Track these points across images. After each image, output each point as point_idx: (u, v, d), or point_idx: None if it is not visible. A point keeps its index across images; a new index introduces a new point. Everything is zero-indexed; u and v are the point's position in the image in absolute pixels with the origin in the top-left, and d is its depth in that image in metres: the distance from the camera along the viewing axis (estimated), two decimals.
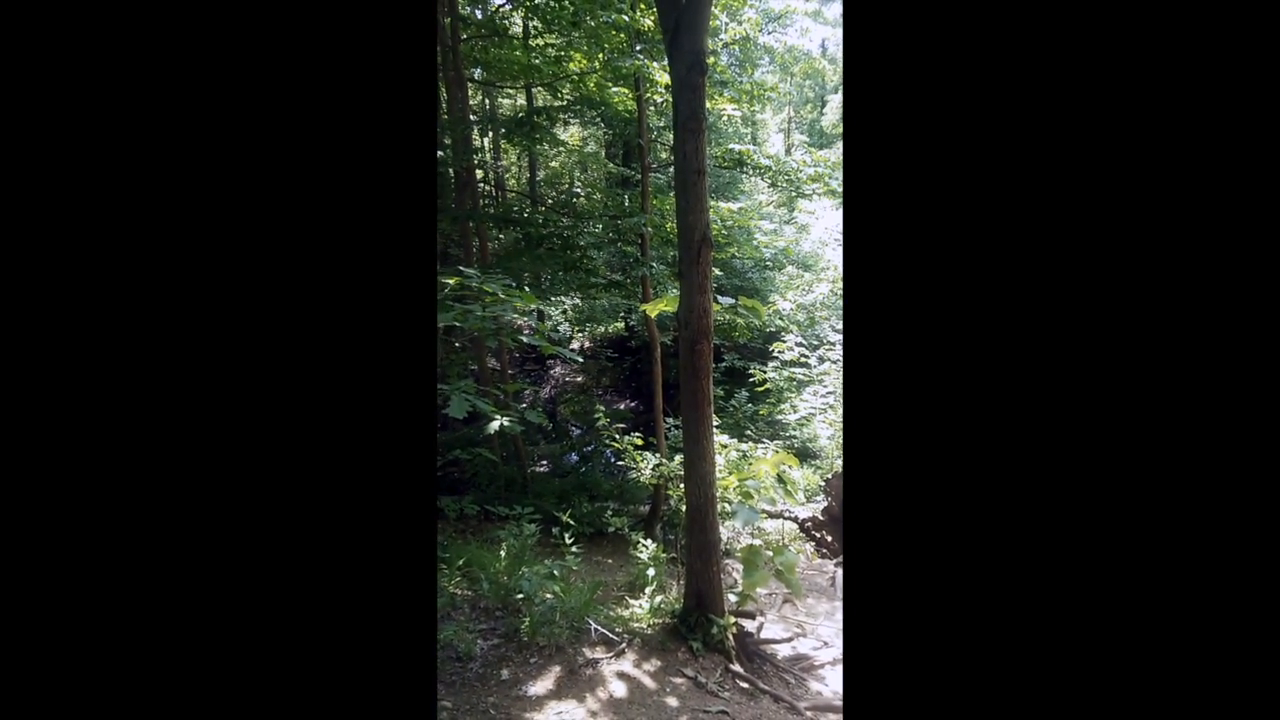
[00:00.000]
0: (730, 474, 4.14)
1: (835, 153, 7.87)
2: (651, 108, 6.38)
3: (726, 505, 4.09)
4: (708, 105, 6.61)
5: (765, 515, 6.14)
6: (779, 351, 8.01)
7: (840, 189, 6.33)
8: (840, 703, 3.27)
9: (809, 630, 4.18)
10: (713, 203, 6.99)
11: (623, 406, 10.86)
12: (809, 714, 3.02)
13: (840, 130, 19.38)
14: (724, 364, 9.46)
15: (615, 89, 5.86)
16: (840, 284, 9.17)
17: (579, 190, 8.16)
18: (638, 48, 5.66)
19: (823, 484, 6.93)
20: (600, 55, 5.71)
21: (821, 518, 6.31)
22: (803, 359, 7.91)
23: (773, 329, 8.83)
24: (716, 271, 7.83)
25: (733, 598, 3.59)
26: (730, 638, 3.34)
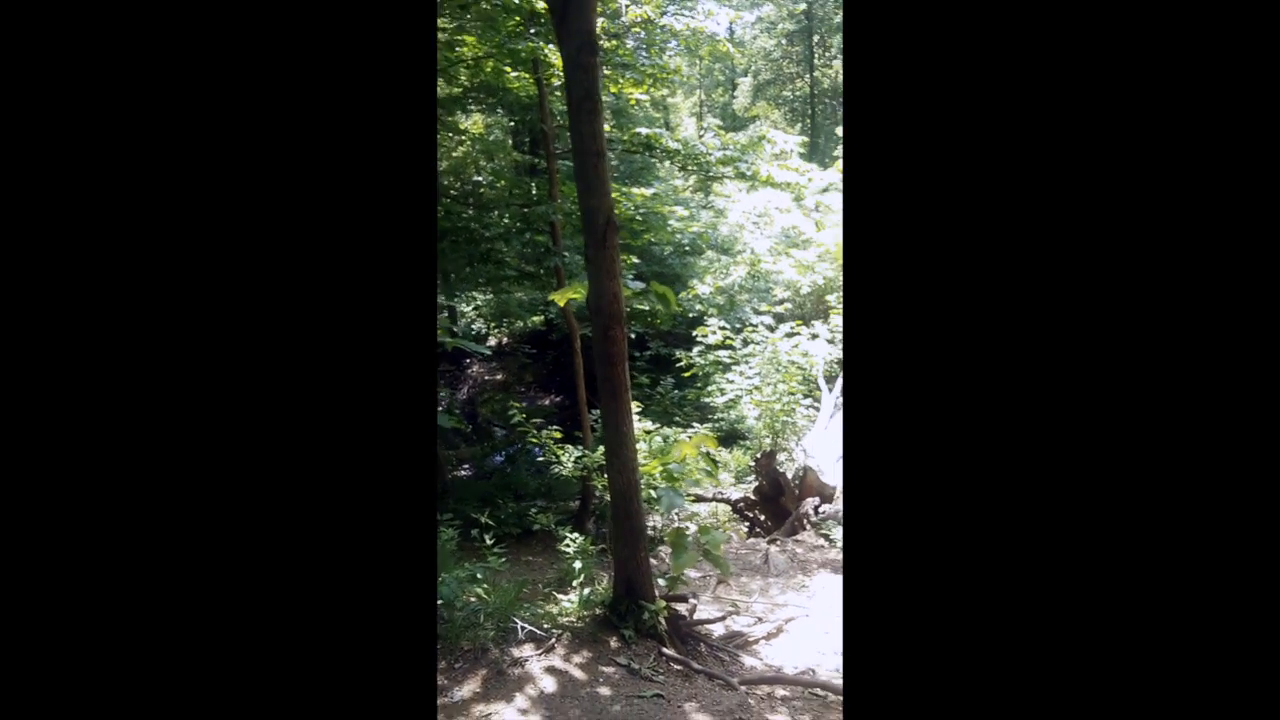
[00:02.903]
0: (653, 459, 4.11)
1: (746, 135, 7.97)
2: (556, 93, 6.24)
3: (652, 491, 4.06)
4: (612, 89, 6.53)
5: (694, 499, 6.17)
6: (703, 336, 8.07)
7: (750, 171, 6.39)
8: (772, 674, 3.30)
9: (743, 608, 4.22)
10: (626, 188, 6.92)
11: (547, 402, 10.71)
12: (742, 688, 3.04)
13: (753, 113, 19.77)
14: (649, 351, 9.46)
15: (515, 74, 5.69)
16: (759, 265, 9.34)
17: (480, 180, 7.91)
18: (532, 30, 5.51)
19: (752, 464, 7.04)
20: (495, 39, 5.52)
21: (754, 497, 6.40)
22: (727, 341, 7.99)
23: (695, 314, 8.88)
24: (634, 259, 7.77)
25: (663, 583, 3.56)
26: (662, 622, 3.32)
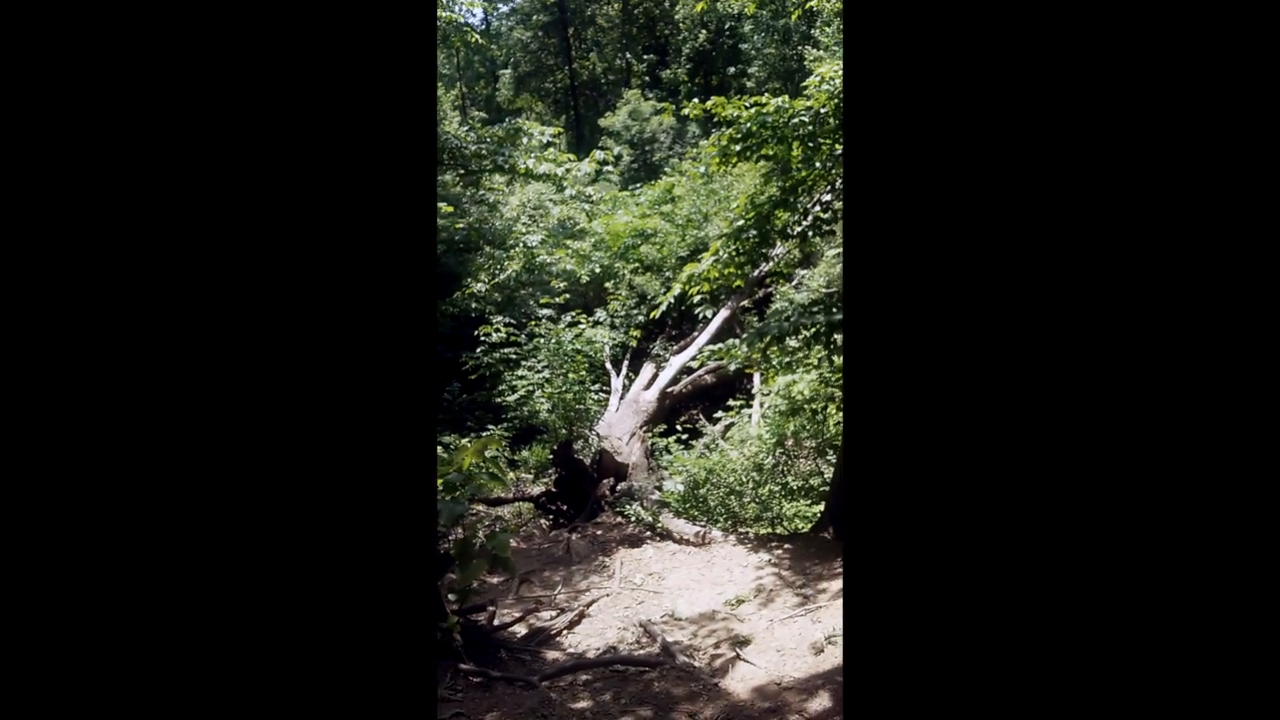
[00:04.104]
0: None
1: (503, 127, 7.86)
2: None
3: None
4: None
5: (482, 504, 6.06)
6: (485, 335, 7.89)
7: (508, 165, 6.34)
8: (571, 663, 3.38)
9: (546, 602, 4.25)
10: None
11: None
12: (544, 685, 3.07)
13: (518, 105, 19.62)
14: (435, 356, 9.03)
15: None
16: (537, 258, 9.35)
17: None
18: None
19: (551, 456, 7.11)
20: None
21: (555, 489, 6.47)
22: (512, 338, 7.91)
23: (475, 313, 8.65)
24: None
25: (454, 597, 3.45)
26: (457, 638, 3.22)
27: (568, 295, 9.14)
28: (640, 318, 9.41)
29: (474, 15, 17.19)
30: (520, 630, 3.78)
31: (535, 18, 18.67)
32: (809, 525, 5.48)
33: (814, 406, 6.16)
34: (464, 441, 5.70)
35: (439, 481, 3.93)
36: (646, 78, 18.01)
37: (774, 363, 5.70)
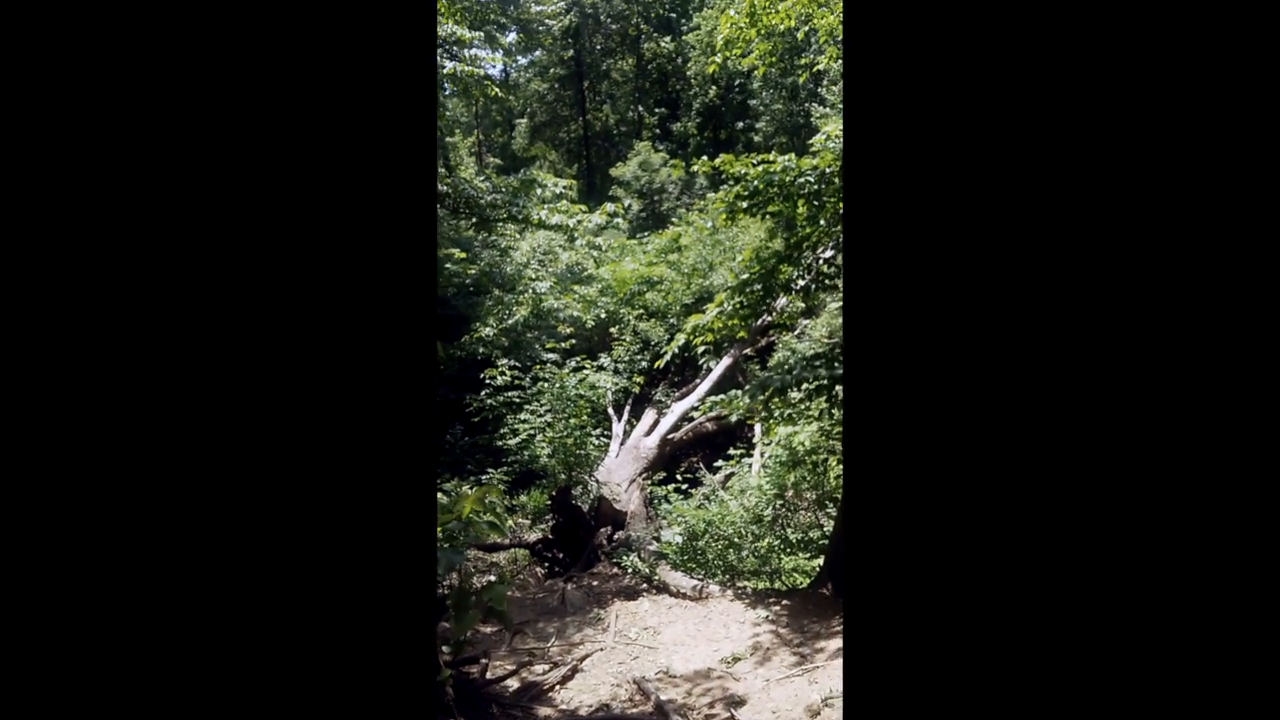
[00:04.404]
0: None
1: (519, 176, 8.08)
2: None
3: None
4: None
5: (478, 550, 6.01)
6: (490, 378, 7.95)
7: (521, 215, 6.50)
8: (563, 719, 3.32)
9: (539, 654, 4.19)
10: None
11: None
12: None
13: (532, 153, 20.18)
14: (436, 399, 9.08)
15: None
16: (545, 303, 9.48)
17: None
18: None
19: (549, 502, 7.07)
20: None
21: (551, 536, 6.42)
22: (517, 381, 7.97)
23: (482, 356, 8.73)
24: None
25: (448, 649, 3.41)
26: (449, 691, 3.17)
27: (573, 341, 9.24)
28: (644, 363, 9.48)
29: (494, 67, 17.85)
30: (513, 684, 3.72)
31: (552, 71, 19.38)
32: (807, 581, 5.41)
33: (815, 459, 6.14)
34: (465, 489, 5.69)
35: (439, 530, 3.92)
36: (657, 130, 18.55)
37: (775, 414, 5.72)
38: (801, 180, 4.80)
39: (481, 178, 7.79)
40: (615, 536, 6.08)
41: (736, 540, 5.78)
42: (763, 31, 6.02)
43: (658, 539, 5.93)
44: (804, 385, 4.88)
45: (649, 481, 7.32)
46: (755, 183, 5.12)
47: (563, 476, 7.22)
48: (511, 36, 18.26)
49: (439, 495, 5.16)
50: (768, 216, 5.50)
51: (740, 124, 16.96)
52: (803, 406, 5.83)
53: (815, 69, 6.69)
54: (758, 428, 7.80)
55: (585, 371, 7.98)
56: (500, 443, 7.77)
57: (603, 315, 10.04)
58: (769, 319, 7.71)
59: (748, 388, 5.31)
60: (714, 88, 17.21)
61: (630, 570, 5.52)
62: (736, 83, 16.95)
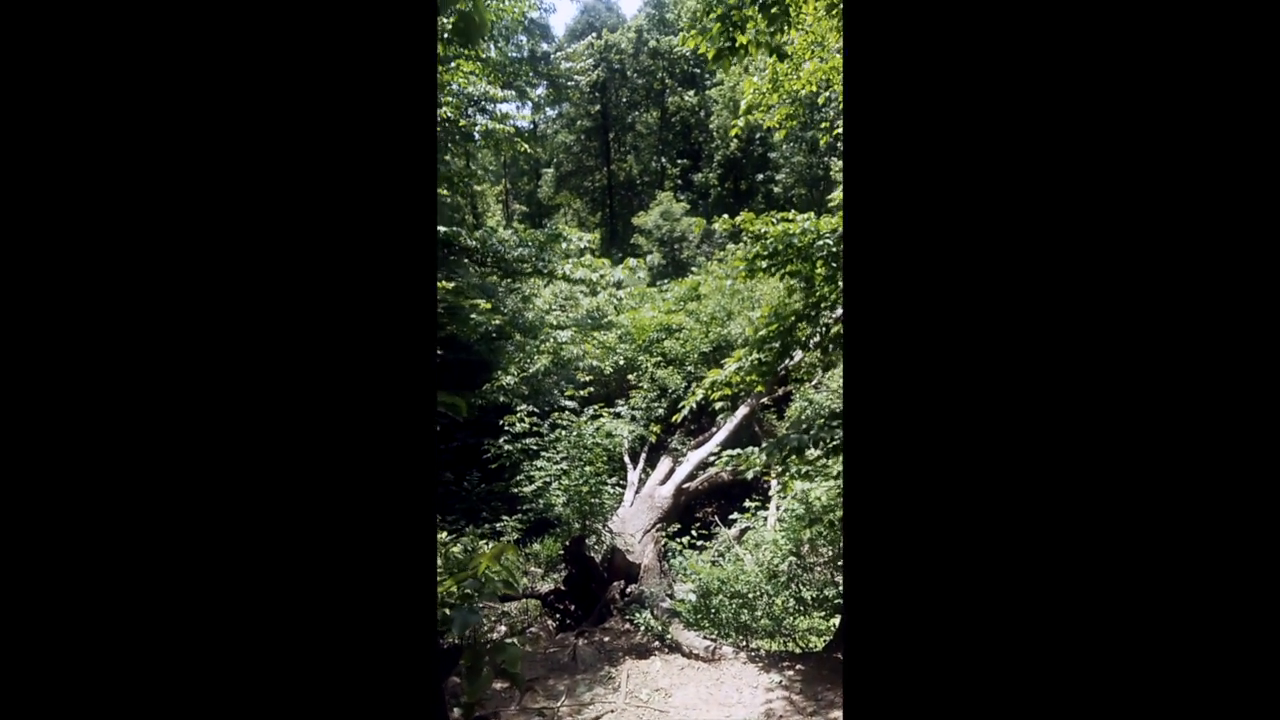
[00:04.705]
0: (449, 577, 3.98)
1: (546, 229, 8.35)
2: None
3: (446, 611, 3.90)
4: None
5: (491, 605, 5.99)
6: (509, 424, 8.04)
7: (546, 269, 6.69)
8: None
9: (549, 715, 4.15)
10: None
11: None
12: None
13: (557, 201, 20.74)
14: (455, 444, 9.17)
15: None
16: (563, 351, 9.63)
17: None
18: None
19: (562, 551, 7.05)
20: None
21: (563, 588, 6.38)
22: (535, 428, 8.04)
23: (502, 402, 8.85)
24: (437, 350, 7.63)
25: (458, 712, 3.40)
26: None
27: (591, 388, 9.34)
28: (660, 410, 9.52)
29: (523, 121, 18.52)
30: None
31: (579, 123, 20.04)
32: (822, 643, 5.31)
33: (832, 516, 6.09)
34: (481, 544, 5.72)
35: (453, 587, 3.96)
36: (679, 180, 19.00)
37: (792, 470, 5.72)
38: (820, 244, 4.91)
39: (509, 230, 8.04)
40: (628, 590, 6.04)
41: (751, 598, 5.71)
42: (784, 97, 6.24)
43: (671, 595, 5.88)
44: (821, 444, 4.90)
45: (663, 533, 7.28)
46: (774, 244, 5.25)
47: (577, 526, 7.21)
48: (541, 90, 18.99)
49: (455, 549, 5.20)
50: (786, 276, 5.62)
51: (760, 176, 17.32)
52: (820, 464, 5.82)
53: (835, 133, 6.88)
54: (774, 480, 7.76)
55: (602, 419, 8.03)
56: (516, 490, 7.81)
57: (621, 362, 10.15)
58: (787, 368, 7.76)
59: (765, 445, 5.33)
60: (735, 140, 17.67)
61: (643, 627, 5.46)
62: (757, 136, 17.39)
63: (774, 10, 4.09)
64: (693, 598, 5.74)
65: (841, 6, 4.80)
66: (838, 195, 5.25)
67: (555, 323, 10.29)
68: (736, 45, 4.53)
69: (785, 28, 4.46)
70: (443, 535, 5.51)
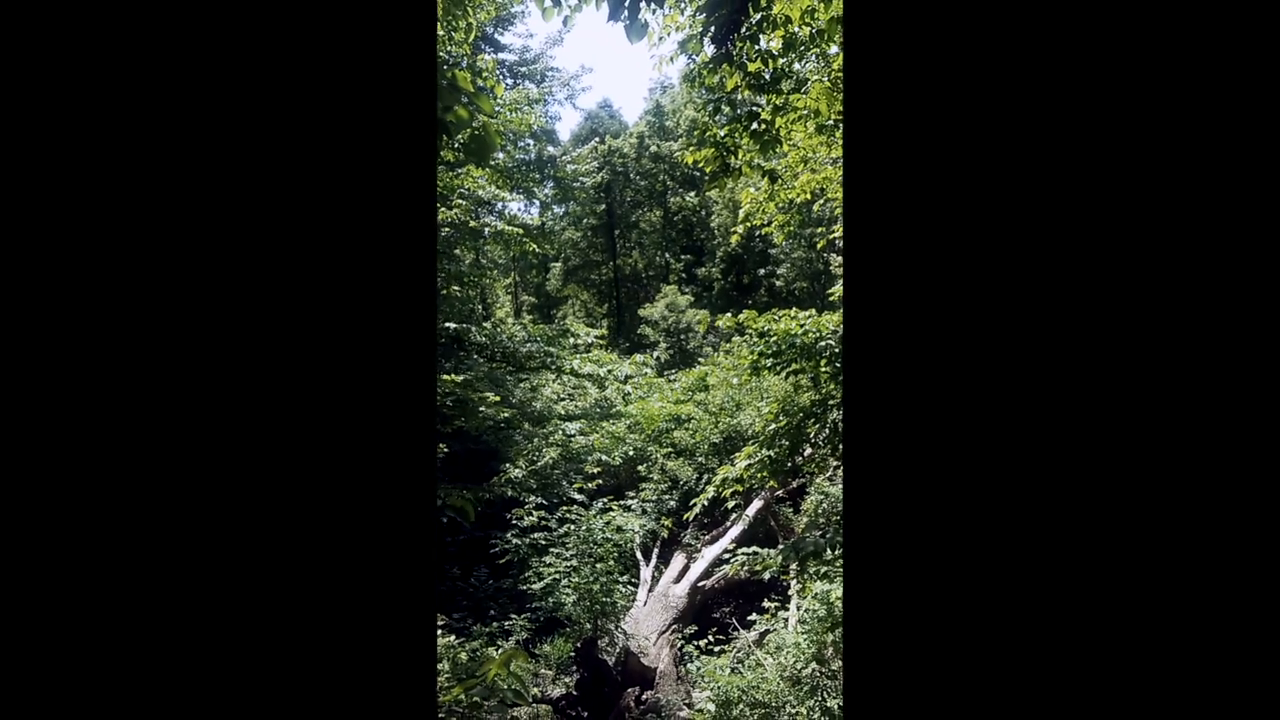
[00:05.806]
0: (456, 684, 3.86)
1: (555, 323, 8.59)
2: None
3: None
4: None
5: (500, 717, 5.74)
6: (517, 518, 7.96)
7: (555, 365, 6.86)
8: None
9: None
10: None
11: None
12: None
13: (565, 293, 21.35)
14: (463, 537, 9.03)
15: None
16: (573, 442, 9.65)
17: None
18: None
19: (574, 652, 6.79)
20: None
21: (575, 692, 6.12)
22: (543, 522, 7.94)
23: (510, 494, 8.78)
24: (443, 446, 7.68)
25: None
26: None
27: (600, 480, 9.30)
28: (672, 503, 9.40)
29: (530, 218, 19.43)
30: None
31: (585, 221, 20.98)
32: None
33: None
34: (490, 650, 5.56)
35: (461, 694, 3.83)
36: (683, 274, 19.65)
37: (810, 571, 5.62)
38: (823, 344, 5.08)
39: (518, 325, 8.29)
40: (644, 697, 5.79)
41: (774, 709, 5.46)
42: (781, 204, 6.62)
43: (689, 704, 5.63)
44: (839, 545, 4.85)
45: (679, 635, 7.03)
46: (777, 343, 5.42)
47: (588, 626, 6.99)
48: (549, 188, 20.03)
49: (462, 653, 5.05)
50: (791, 376, 5.76)
51: (762, 270, 17.90)
52: (840, 564, 5.72)
53: (832, 238, 7.24)
54: (793, 580, 7.57)
55: (612, 512, 7.94)
56: (524, 587, 7.62)
57: (630, 452, 10.12)
58: (796, 463, 7.74)
59: (782, 547, 5.28)
60: (736, 236, 18.38)
61: None
62: (758, 233, 18.10)
63: (765, 138, 4.45)
64: (712, 707, 5.50)
65: (830, 124, 5.17)
66: (837, 291, 5.46)
67: (564, 413, 10.36)
68: (730, 168, 4.89)
69: (776, 147, 4.81)
70: (450, 638, 5.35)
